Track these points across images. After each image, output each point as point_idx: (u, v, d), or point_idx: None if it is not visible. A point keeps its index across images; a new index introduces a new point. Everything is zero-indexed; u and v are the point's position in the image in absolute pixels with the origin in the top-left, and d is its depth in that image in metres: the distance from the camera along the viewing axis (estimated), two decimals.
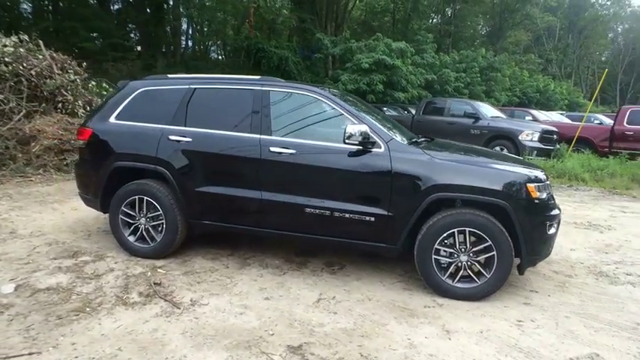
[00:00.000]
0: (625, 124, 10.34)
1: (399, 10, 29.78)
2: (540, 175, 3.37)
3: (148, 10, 21.25)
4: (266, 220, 3.57)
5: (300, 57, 22.41)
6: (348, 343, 2.63)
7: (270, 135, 3.52)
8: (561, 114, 19.40)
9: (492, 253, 3.16)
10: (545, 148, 9.57)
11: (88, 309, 2.90)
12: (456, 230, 3.20)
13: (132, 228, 3.81)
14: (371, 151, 3.32)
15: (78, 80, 9.35)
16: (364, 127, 3.25)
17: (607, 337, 2.81)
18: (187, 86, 3.78)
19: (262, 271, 3.68)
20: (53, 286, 3.19)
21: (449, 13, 32.35)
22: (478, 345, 2.66)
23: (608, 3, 55.80)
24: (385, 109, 18.43)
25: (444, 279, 3.26)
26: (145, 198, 3.71)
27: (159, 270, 3.60)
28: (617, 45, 62.61)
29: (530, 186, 3.19)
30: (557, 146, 10.02)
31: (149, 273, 3.52)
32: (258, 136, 3.52)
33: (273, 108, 3.57)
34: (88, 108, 9.19)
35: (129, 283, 3.31)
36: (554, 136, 9.91)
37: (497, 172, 3.26)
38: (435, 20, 33.09)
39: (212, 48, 29.43)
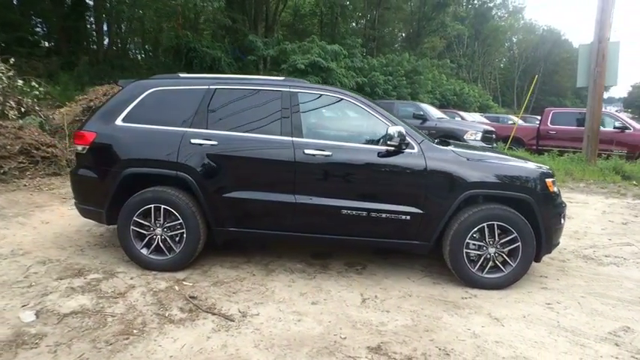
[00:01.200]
0: (549, 124, 11.62)
1: (325, 14, 30.36)
2: (551, 171, 3.71)
3: (66, 2, 19.36)
4: (299, 224, 3.50)
5: (232, 58, 21.93)
6: (419, 338, 2.70)
7: (302, 137, 3.46)
8: (481, 115, 21.20)
9: (517, 244, 3.42)
10: (487, 147, 10.44)
11: (135, 331, 2.63)
12: (485, 225, 3.41)
13: (146, 239, 3.51)
14: (404, 152, 3.42)
15: (4, 78, 8.32)
16: (401, 129, 3.34)
17: (625, 311, 3.19)
18: (207, 87, 3.57)
19: (291, 276, 3.60)
20: (78, 310, 2.85)
21: (372, 17, 33.66)
22: (530, 329, 2.88)
23: (506, 15, 61.93)
24: None
25: (474, 271, 3.46)
26: (162, 206, 3.44)
27: (184, 283, 3.36)
28: (512, 53, 69.93)
29: (548, 181, 3.51)
30: (495, 145, 10.96)
31: (176, 287, 3.27)
32: (290, 138, 3.44)
33: (303, 109, 3.52)
34: (23, 110, 8.22)
35: (161, 299, 3.06)
36: (493, 135, 10.83)
37: (521, 169, 3.53)
38: (359, 25, 34.24)
39: (131, 46, 27.63)
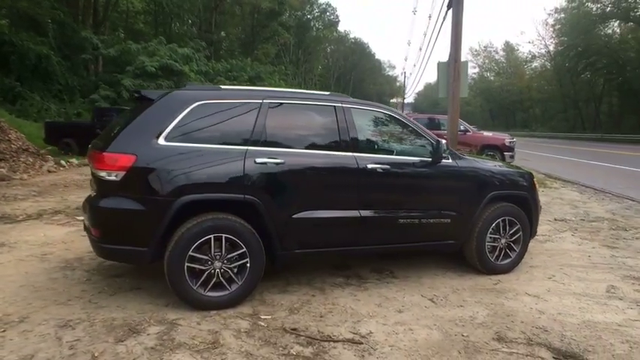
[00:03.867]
0: None
1: (159, 14, 28.35)
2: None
3: None
4: (362, 238, 3.54)
5: (59, 56, 18.71)
6: (511, 323, 3.10)
7: (360, 152, 3.50)
8: None
9: (520, 233, 4.15)
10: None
11: None
12: (500, 220, 4.05)
13: (204, 276, 3.04)
14: (443, 162, 3.80)
15: None
16: (444, 142, 3.71)
17: (597, 274, 4.22)
18: (260, 100, 3.26)
19: (347, 290, 3.61)
20: None
21: (207, 20, 32.84)
22: (563, 299, 3.57)
23: (322, 27, 67.85)
24: None
25: (492, 260, 4.06)
26: (224, 235, 3.04)
27: (262, 317, 3.05)
28: (328, 62, 77.18)
29: (534, 180, 4.36)
30: None
31: (261, 322, 2.96)
32: (352, 153, 3.44)
33: (357, 125, 3.55)
34: None
35: (267, 339, 2.74)
36: None
37: (519, 173, 4.29)
38: (194, 27, 32.95)
39: None
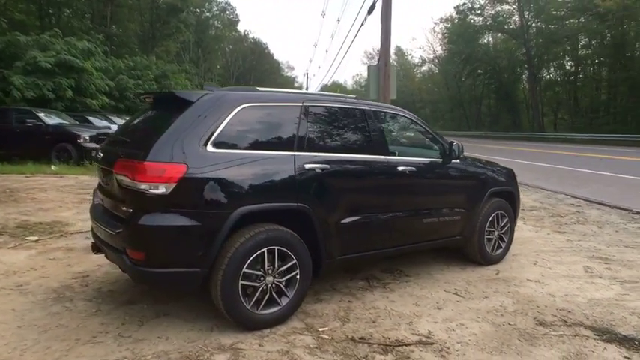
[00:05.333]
0: None
1: (45, 3, 25.10)
2: None
3: None
4: (397, 239, 3.59)
5: None
6: (537, 307, 3.39)
7: (389, 155, 3.53)
8: None
9: (509, 225, 4.56)
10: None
11: None
12: (494, 214, 4.39)
13: (257, 293, 2.82)
14: (452, 163, 4.00)
15: None
16: (456, 143, 3.91)
17: (576, 257, 4.80)
18: (300, 103, 3.10)
19: (376, 293, 3.62)
20: None
21: (100, 14, 29.92)
22: (560, 283, 4.01)
23: (220, 26, 66.04)
24: (91, 118, 15.94)
25: (489, 252, 4.40)
26: (276, 248, 2.86)
27: (320, 329, 2.93)
28: (227, 62, 75.35)
29: (515, 175, 4.80)
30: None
31: (325, 335, 2.85)
32: (385, 157, 3.46)
33: (386, 128, 3.58)
34: None
35: (345, 352, 2.64)
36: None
37: (508, 170, 4.68)
38: (86, 19, 29.72)
39: None
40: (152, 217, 2.54)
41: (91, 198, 3.59)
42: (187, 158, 2.58)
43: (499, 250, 4.52)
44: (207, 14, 58.22)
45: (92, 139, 11.54)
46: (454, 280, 3.98)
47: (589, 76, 37.07)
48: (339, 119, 3.38)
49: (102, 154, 3.16)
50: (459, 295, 3.64)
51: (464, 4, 40.69)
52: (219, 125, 2.73)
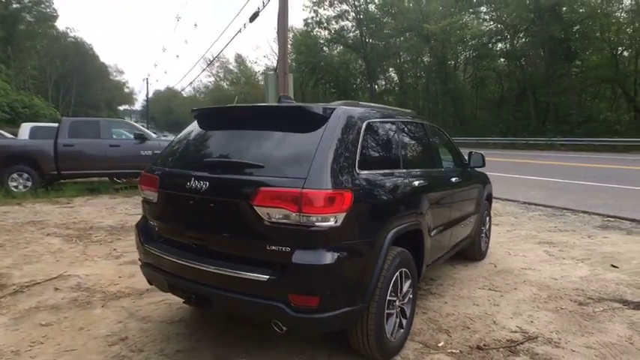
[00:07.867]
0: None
1: None
2: None
3: None
4: (451, 245, 3.80)
5: None
6: (568, 290, 4.03)
7: (442, 167, 3.75)
8: None
9: (490, 223, 5.24)
10: None
11: None
12: (485, 214, 5.00)
13: (392, 319, 2.71)
14: (468, 170, 4.43)
15: None
16: (475, 151, 4.34)
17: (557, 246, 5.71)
18: (401, 119, 3.08)
19: (430, 299, 3.79)
20: None
21: None
22: (550, 266, 4.79)
23: (33, 20, 56.31)
24: None
25: (482, 248, 4.98)
26: (403, 270, 2.80)
27: (440, 345, 2.97)
28: (42, 62, 64.71)
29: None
30: None
31: (453, 350, 2.89)
32: (441, 169, 3.68)
33: (433, 142, 3.76)
34: None
35: None
36: None
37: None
38: None
39: None
40: (322, 254, 2.22)
41: (140, 240, 2.88)
42: (349, 183, 2.35)
43: (486, 246, 5.14)
44: (17, 5, 48.89)
45: None
46: (474, 278, 4.39)
47: (411, 86, 43.66)
48: (415, 135, 3.46)
49: (190, 183, 2.54)
50: (495, 291, 4.04)
51: (312, 17, 43.47)
52: (358, 144, 2.55)
